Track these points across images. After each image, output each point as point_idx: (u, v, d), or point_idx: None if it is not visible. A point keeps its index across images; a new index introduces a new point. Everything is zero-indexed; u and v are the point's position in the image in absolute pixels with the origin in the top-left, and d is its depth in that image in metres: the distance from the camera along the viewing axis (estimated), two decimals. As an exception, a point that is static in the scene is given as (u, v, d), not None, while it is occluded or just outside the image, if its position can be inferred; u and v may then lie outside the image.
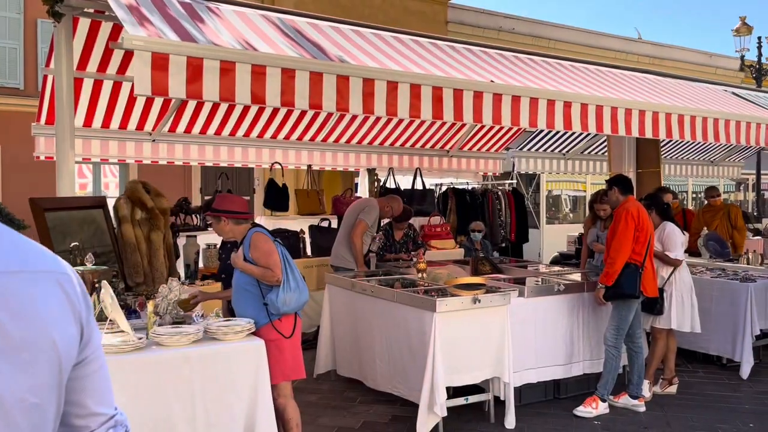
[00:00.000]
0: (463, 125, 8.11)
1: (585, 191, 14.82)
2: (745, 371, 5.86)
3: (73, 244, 4.06)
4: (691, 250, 7.45)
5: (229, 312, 4.19)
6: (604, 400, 4.97)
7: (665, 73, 7.29)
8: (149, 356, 3.21)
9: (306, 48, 3.93)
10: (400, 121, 7.79)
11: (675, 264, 5.33)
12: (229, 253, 4.19)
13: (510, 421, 4.65)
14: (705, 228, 8.85)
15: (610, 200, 5.30)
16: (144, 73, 3.14)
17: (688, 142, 9.83)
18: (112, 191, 14.50)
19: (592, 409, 4.92)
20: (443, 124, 8.02)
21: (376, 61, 4.14)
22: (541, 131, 9.00)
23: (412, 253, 6.51)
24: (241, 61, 3.43)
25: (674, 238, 5.31)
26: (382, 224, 6.90)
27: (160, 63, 3.18)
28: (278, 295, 3.60)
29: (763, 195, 17.63)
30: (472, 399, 4.76)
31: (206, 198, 12.82)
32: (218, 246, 5.79)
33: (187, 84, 3.26)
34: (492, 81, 4.46)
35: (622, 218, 4.89)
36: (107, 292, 3.34)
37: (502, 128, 8.60)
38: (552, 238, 12.87)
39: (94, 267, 3.71)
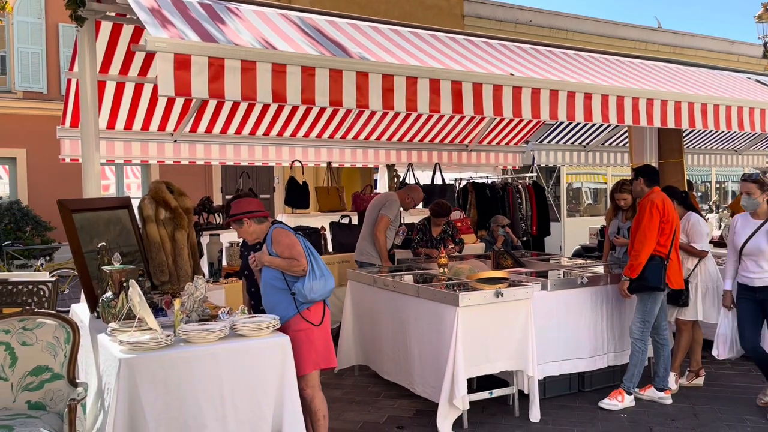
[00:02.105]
0: (482, 119, 8.09)
1: (606, 183, 14.69)
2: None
3: (100, 244, 4.12)
4: None
5: (254, 309, 4.24)
6: (629, 393, 4.94)
7: (687, 62, 7.20)
8: (177, 353, 3.26)
9: (325, 45, 3.95)
10: (419, 116, 7.79)
11: (701, 255, 5.27)
12: (251, 250, 4.23)
13: (535, 414, 4.65)
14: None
15: (634, 190, 5.21)
16: (167, 74, 3.18)
17: (711, 131, 9.75)
18: (134, 192, 14.72)
19: (618, 401, 4.89)
20: (462, 118, 8.01)
21: (395, 57, 4.14)
22: (561, 123, 8.94)
23: (451, 247, 6.52)
24: (262, 60, 3.46)
25: (699, 229, 5.25)
26: (419, 221, 6.91)
27: (182, 64, 3.22)
28: (305, 284, 3.69)
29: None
30: (497, 393, 4.77)
31: (227, 197, 12.94)
32: (240, 244, 5.84)
33: (209, 84, 3.30)
34: (511, 74, 4.44)
35: (646, 210, 4.83)
36: (135, 290, 3.40)
37: (521, 121, 8.56)
38: (573, 231, 12.79)
39: (121, 266, 3.77)
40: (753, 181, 4.69)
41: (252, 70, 3.43)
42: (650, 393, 5.05)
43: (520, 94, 4.40)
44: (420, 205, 8.85)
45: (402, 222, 6.79)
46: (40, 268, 9.47)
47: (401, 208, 6.54)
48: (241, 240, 6.13)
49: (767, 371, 4.78)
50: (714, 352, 5.01)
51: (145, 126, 6.68)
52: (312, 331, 3.75)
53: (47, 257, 10.54)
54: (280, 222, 4.04)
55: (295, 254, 3.72)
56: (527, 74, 4.62)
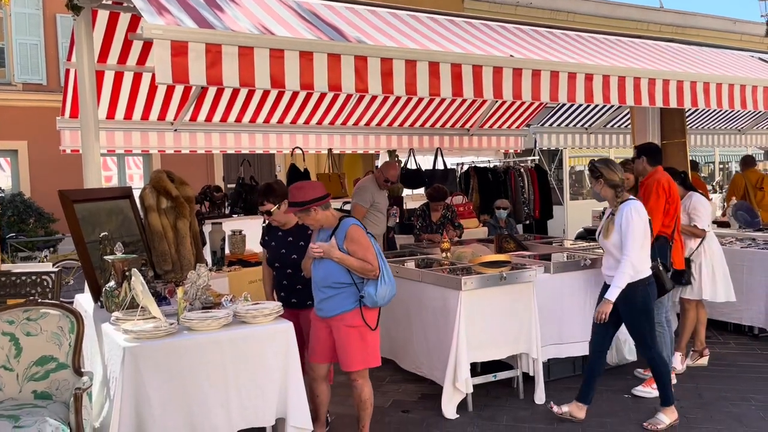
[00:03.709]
0: (483, 103, 8.04)
1: (609, 165, 14.64)
2: (779, 341, 5.78)
3: (102, 234, 4.13)
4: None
5: (284, 303, 3.97)
6: None
7: (689, 41, 7.14)
8: (181, 341, 3.27)
9: (323, 30, 3.92)
10: (420, 100, 7.75)
11: (701, 235, 5.24)
12: (279, 239, 4.14)
13: (540, 396, 4.66)
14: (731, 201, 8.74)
15: (636, 169, 5.12)
16: (164, 61, 3.16)
17: (714, 110, 9.68)
18: (136, 182, 14.72)
19: (652, 389, 4.72)
20: (463, 102, 7.96)
21: (394, 41, 4.11)
22: (563, 106, 8.88)
23: (452, 232, 6.52)
24: (259, 46, 3.44)
25: (702, 208, 5.21)
26: (419, 206, 6.89)
27: (179, 51, 3.20)
28: (377, 289, 3.63)
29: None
30: (501, 376, 4.78)
31: (230, 186, 12.91)
32: (264, 232, 5.36)
33: (206, 70, 3.28)
34: (511, 56, 4.41)
35: (653, 190, 4.77)
36: (138, 279, 3.40)
37: (522, 104, 8.51)
38: (576, 214, 12.75)
39: (123, 256, 3.78)
40: (589, 170, 4.27)
41: (249, 55, 3.41)
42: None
43: (521, 76, 4.37)
44: (421, 190, 8.84)
45: (394, 203, 6.71)
46: (45, 259, 9.49)
47: (378, 188, 6.38)
48: (244, 228, 6.17)
49: (590, 380, 4.34)
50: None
51: (145, 115, 6.66)
52: (366, 331, 3.73)
53: (51, 249, 10.57)
54: (351, 215, 3.90)
55: (369, 258, 3.63)
56: (527, 56, 4.58)
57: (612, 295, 4.05)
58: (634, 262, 4.02)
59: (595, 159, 4.27)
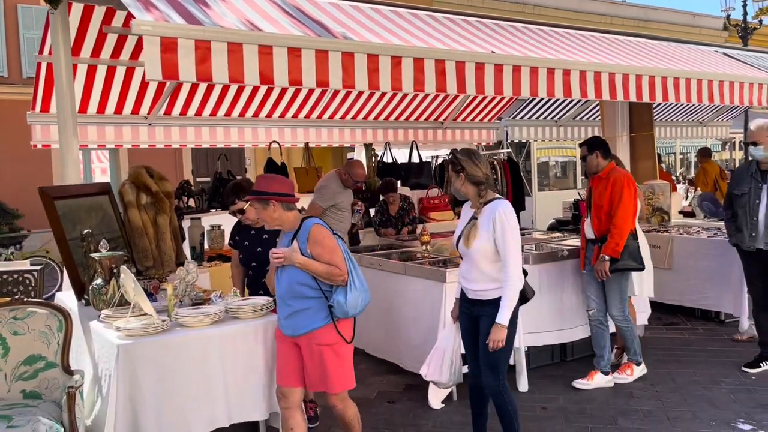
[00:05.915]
0: (457, 96, 8.13)
1: (575, 157, 14.95)
2: (744, 326, 6.01)
3: (85, 231, 4.08)
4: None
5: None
6: (639, 363, 4.95)
7: (658, 36, 7.33)
8: (174, 337, 3.28)
9: (309, 26, 3.93)
10: (395, 94, 7.79)
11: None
12: (253, 237, 4.10)
13: (523, 384, 4.79)
14: (698, 189, 9.07)
15: (589, 165, 4.88)
16: (154, 57, 3.14)
17: (679, 103, 9.96)
18: (99, 177, 14.40)
19: (627, 375, 4.91)
20: (437, 96, 8.03)
21: (379, 37, 4.14)
22: (533, 99, 9.04)
23: (408, 227, 6.61)
24: (248, 42, 3.44)
25: (640, 204, 5.13)
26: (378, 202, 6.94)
27: (169, 47, 3.18)
28: (347, 297, 3.20)
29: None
30: (483, 365, 4.86)
31: (197, 180, 12.77)
32: (235, 230, 5.29)
33: (196, 66, 3.26)
34: (493, 52, 4.48)
35: (624, 185, 4.73)
36: (128, 276, 3.39)
37: (495, 97, 8.62)
38: (544, 205, 13.01)
39: (111, 253, 3.75)
40: (449, 162, 3.59)
41: (239, 52, 3.40)
42: (598, 379, 4.86)
43: (502, 71, 4.44)
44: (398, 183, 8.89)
45: (364, 199, 6.73)
46: (12, 257, 9.27)
47: (342, 187, 6.25)
48: (222, 223, 6.13)
49: (479, 414, 3.75)
50: (422, 370, 3.95)
51: (119, 109, 6.55)
52: (341, 347, 3.28)
53: (17, 246, 10.31)
54: (312, 216, 3.48)
55: (336, 260, 3.21)
56: (508, 52, 4.66)
57: (504, 318, 3.36)
58: (519, 274, 3.41)
59: (457, 149, 3.63)
